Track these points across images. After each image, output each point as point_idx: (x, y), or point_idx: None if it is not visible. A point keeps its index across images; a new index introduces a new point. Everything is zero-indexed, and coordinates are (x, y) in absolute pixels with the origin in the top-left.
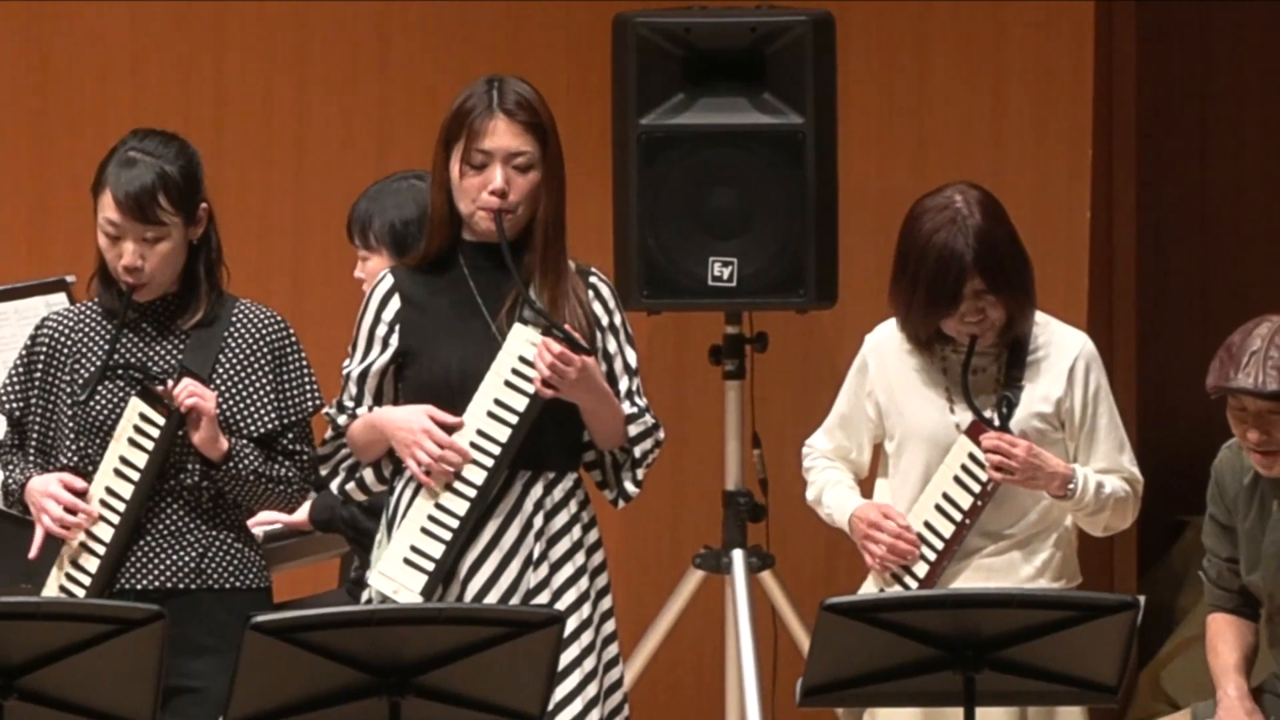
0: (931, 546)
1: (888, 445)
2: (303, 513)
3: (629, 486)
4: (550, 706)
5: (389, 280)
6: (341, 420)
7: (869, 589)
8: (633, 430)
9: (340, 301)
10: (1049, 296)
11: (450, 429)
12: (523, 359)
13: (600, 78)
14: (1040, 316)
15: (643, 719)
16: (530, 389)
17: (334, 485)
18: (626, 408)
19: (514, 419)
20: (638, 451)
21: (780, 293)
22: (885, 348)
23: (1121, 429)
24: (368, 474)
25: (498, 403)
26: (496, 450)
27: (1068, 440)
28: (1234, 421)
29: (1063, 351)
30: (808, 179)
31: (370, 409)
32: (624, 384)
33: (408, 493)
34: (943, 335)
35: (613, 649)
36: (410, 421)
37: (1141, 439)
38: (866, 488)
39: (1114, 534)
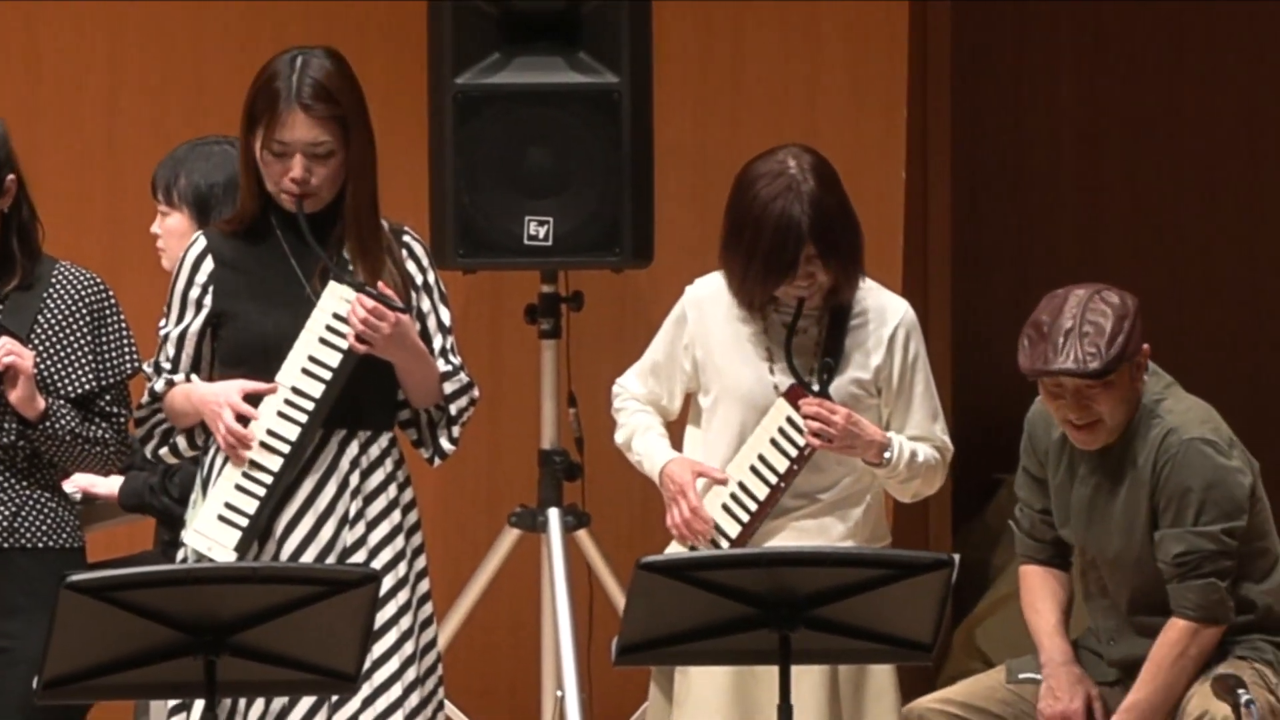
0: (745, 508)
1: (701, 399)
2: (112, 485)
3: (445, 444)
4: (368, 664)
5: (202, 242)
6: (159, 386)
7: (681, 548)
8: (448, 388)
9: (156, 263)
10: (864, 257)
11: (262, 397)
12: (337, 315)
13: (416, 36)
14: (864, 282)
15: (459, 678)
16: (344, 345)
17: (148, 449)
18: (441, 365)
19: (328, 375)
20: (453, 409)
21: (596, 252)
22: (707, 304)
23: (936, 398)
24: (181, 440)
25: (312, 359)
26: (310, 406)
27: (882, 406)
28: (1049, 399)
29: (884, 319)
30: (623, 138)
31: (188, 376)
32: (438, 342)
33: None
34: (768, 298)
35: (427, 608)
36: (218, 396)
37: (956, 398)
38: (676, 431)
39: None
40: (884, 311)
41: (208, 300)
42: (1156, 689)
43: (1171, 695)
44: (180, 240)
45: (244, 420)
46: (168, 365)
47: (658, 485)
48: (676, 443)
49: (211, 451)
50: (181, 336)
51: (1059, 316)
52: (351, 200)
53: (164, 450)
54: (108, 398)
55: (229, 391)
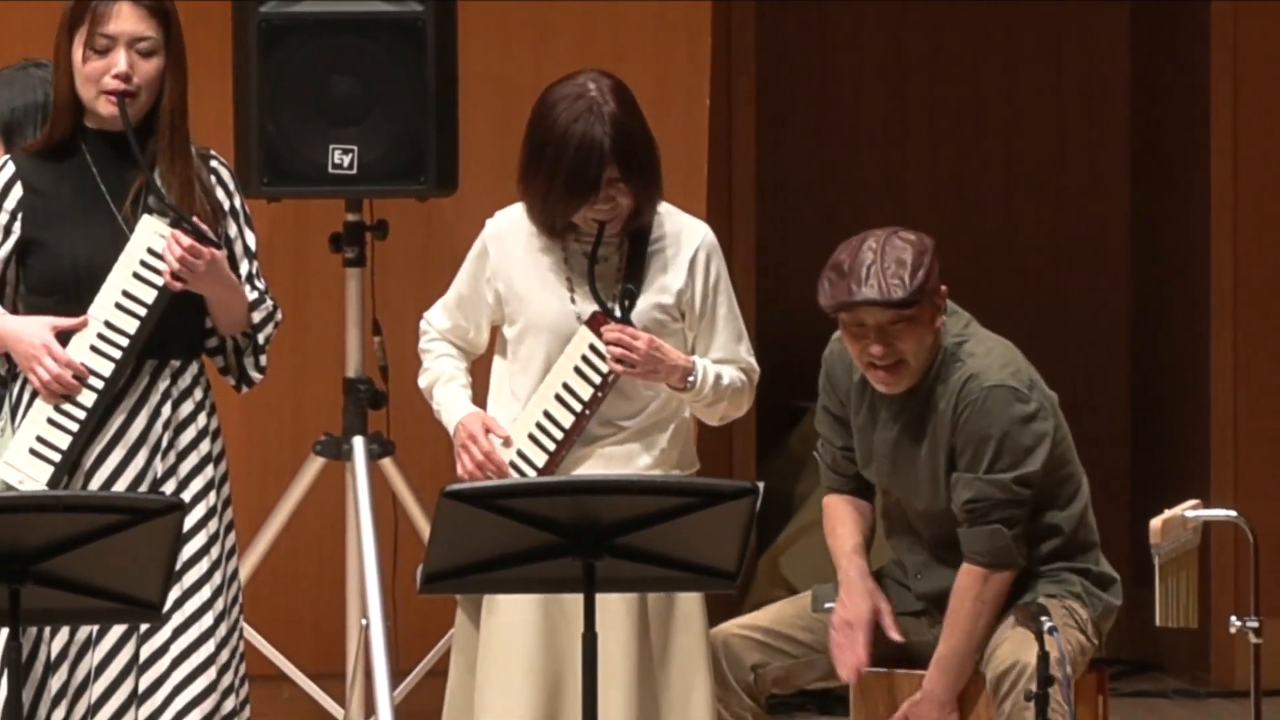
0: (550, 436)
1: (507, 330)
2: None
3: (252, 372)
4: (179, 593)
5: (10, 168)
6: None
7: None
8: (256, 316)
9: None
10: (669, 187)
11: (72, 332)
12: (151, 250)
13: None
14: (663, 206)
15: (264, 608)
16: (159, 281)
17: None
18: (249, 293)
19: (142, 311)
20: (261, 337)
21: (400, 180)
22: (507, 236)
23: (740, 319)
24: None
25: (126, 294)
26: (124, 342)
27: (686, 330)
28: (852, 340)
29: (684, 242)
30: (427, 66)
31: None
32: (244, 267)
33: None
34: (568, 224)
35: (232, 538)
36: (32, 336)
37: (760, 327)
38: (485, 364)
39: (732, 421)
40: (683, 235)
41: (16, 227)
42: (960, 638)
43: (974, 640)
44: None
45: (68, 336)
46: None
47: (451, 436)
48: (485, 373)
49: (19, 380)
50: None
51: (858, 255)
52: (168, 101)
53: None
54: None
55: (42, 333)
